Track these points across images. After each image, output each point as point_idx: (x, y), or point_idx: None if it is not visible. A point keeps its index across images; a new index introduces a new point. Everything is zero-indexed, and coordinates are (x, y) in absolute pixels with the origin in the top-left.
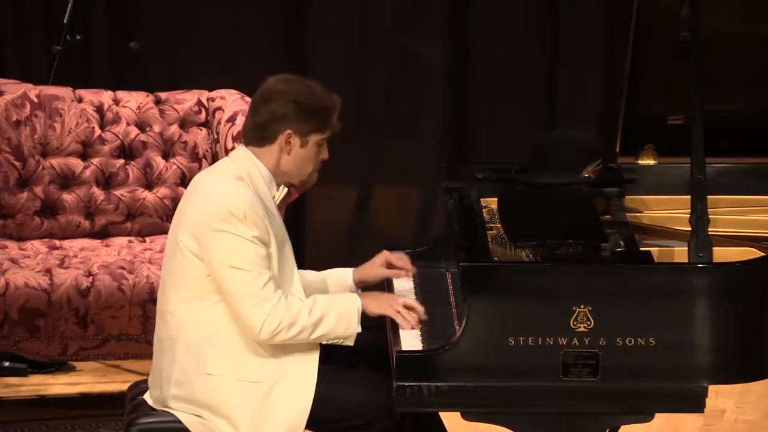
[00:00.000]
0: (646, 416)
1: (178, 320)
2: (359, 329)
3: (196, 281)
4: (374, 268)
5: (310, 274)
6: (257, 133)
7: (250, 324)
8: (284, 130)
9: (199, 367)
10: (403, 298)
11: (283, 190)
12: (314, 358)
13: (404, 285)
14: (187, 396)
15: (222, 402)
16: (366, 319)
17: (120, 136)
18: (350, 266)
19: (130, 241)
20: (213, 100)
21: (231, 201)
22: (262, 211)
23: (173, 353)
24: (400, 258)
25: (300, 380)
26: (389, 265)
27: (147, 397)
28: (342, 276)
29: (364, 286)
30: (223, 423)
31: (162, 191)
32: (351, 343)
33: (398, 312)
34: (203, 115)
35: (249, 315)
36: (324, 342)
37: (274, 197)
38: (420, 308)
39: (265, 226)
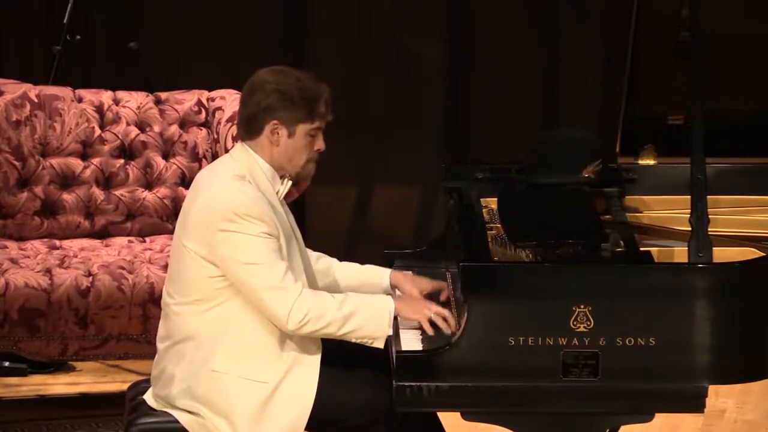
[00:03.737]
0: (646, 416)
1: (185, 321)
2: (390, 332)
3: (203, 283)
4: (409, 284)
5: (346, 268)
6: (246, 126)
7: (276, 315)
8: (270, 120)
9: (204, 364)
10: (436, 306)
11: (288, 184)
12: (316, 359)
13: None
14: (189, 392)
15: (223, 399)
16: None
17: (120, 136)
18: None
19: (130, 241)
20: (213, 100)
21: (234, 201)
22: (267, 207)
23: (178, 353)
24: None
25: (301, 383)
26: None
27: (147, 397)
28: (379, 276)
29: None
30: (221, 422)
31: (162, 191)
32: (380, 345)
33: (429, 320)
34: (203, 115)
35: (273, 306)
36: (353, 340)
37: (277, 192)
38: (452, 320)
39: (272, 220)
